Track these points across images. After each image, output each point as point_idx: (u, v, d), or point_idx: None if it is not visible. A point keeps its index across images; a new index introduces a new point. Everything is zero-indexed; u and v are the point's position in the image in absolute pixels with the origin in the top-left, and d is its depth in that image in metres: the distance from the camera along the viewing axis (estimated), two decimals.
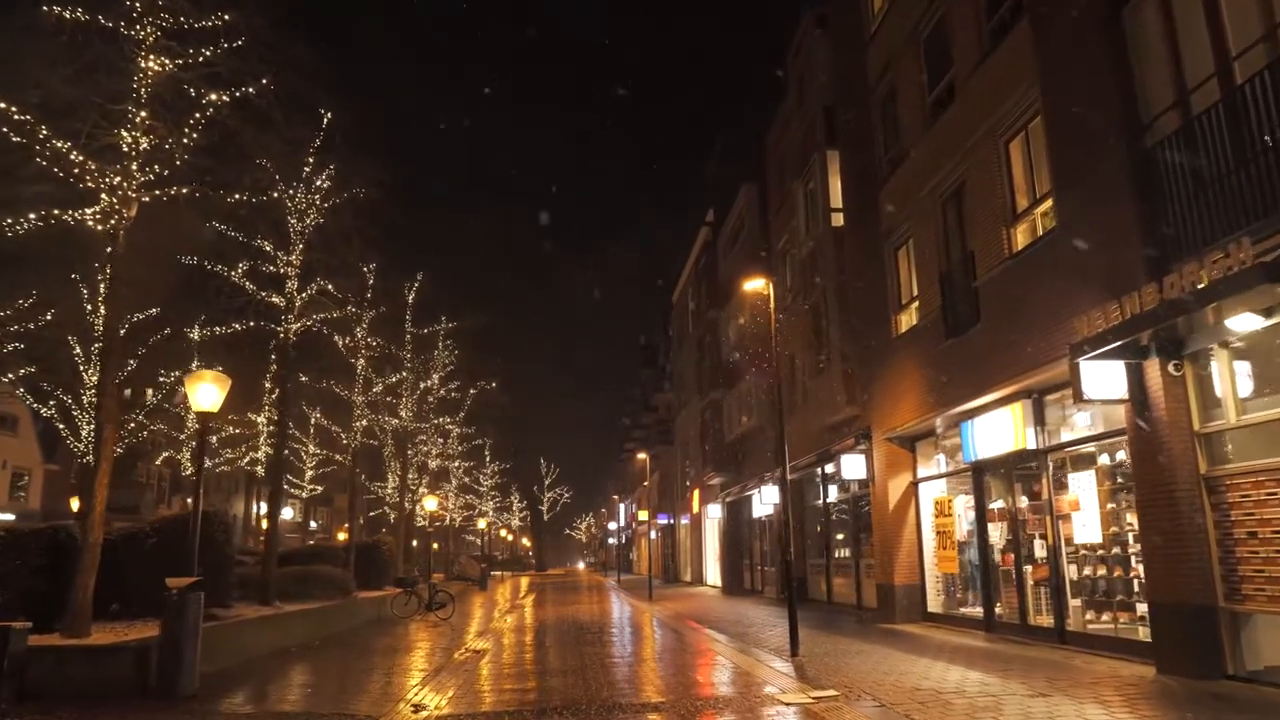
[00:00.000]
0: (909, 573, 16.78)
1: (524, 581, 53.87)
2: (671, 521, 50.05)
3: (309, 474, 47.06)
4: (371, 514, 71.00)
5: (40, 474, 46.46)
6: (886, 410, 17.24)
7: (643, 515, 63.26)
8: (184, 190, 12.72)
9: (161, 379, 30.32)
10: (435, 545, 68.10)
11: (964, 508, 15.55)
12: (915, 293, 16.43)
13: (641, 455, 41.34)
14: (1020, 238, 12.63)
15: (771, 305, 14.04)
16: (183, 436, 32.19)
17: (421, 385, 35.91)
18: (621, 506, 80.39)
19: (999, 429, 13.20)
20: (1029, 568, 12.97)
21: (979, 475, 14.48)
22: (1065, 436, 12.34)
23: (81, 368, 24.48)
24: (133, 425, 26.85)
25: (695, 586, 39.21)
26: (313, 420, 39.00)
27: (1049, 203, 11.85)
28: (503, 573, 66.42)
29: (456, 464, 48.43)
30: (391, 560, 30.48)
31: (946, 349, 14.47)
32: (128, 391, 23.47)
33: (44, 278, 25.48)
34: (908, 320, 16.82)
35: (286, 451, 41.26)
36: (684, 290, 45.16)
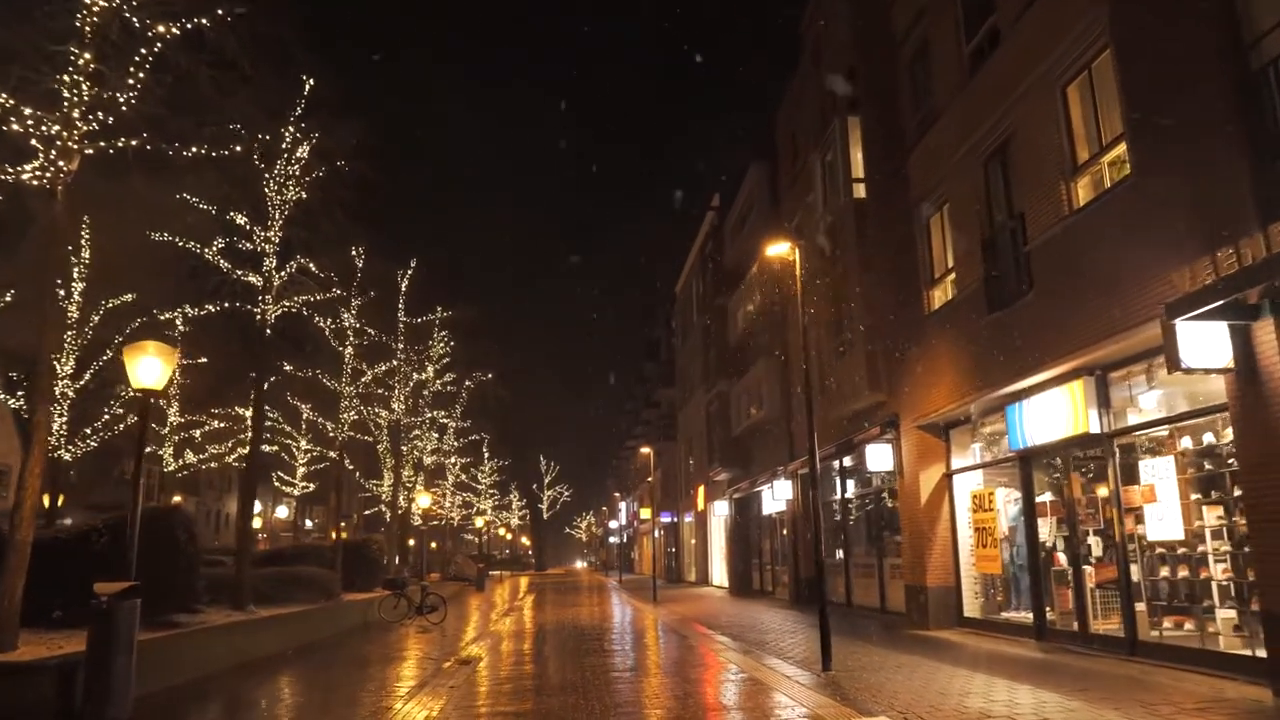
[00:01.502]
0: (943, 573, 15.27)
1: (523, 582, 52.36)
2: (675, 520, 48.54)
3: (301, 471, 45.45)
4: (368, 512, 69.68)
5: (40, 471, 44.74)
6: (917, 395, 15.73)
7: (645, 513, 61.72)
8: (132, 143, 11.20)
9: None
10: (433, 544, 66.78)
11: (1005, 501, 14.05)
12: (950, 264, 14.92)
13: (645, 449, 39.83)
14: (1082, 193, 11.10)
15: (797, 270, 12.51)
16: (164, 431, 30.61)
17: (415, 377, 34.42)
18: (623, 505, 78.87)
19: (1053, 412, 11.68)
20: (1089, 568, 11.45)
21: (1027, 465, 12.96)
22: (1133, 419, 10.82)
23: (52, 356, 22.98)
24: (107, 418, 25.33)
25: (700, 587, 37.72)
26: (304, 415, 37.49)
27: (1119, 149, 10.34)
28: (501, 572, 64.87)
29: (453, 460, 46.90)
30: (382, 560, 28.97)
31: (990, 323, 12.95)
32: (85, 378, 21.85)
33: (10, 258, 24.00)
34: (942, 295, 15.31)
35: (277, 448, 40.05)
36: (688, 280, 43.63)
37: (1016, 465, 13.33)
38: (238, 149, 12.77)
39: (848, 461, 20.97)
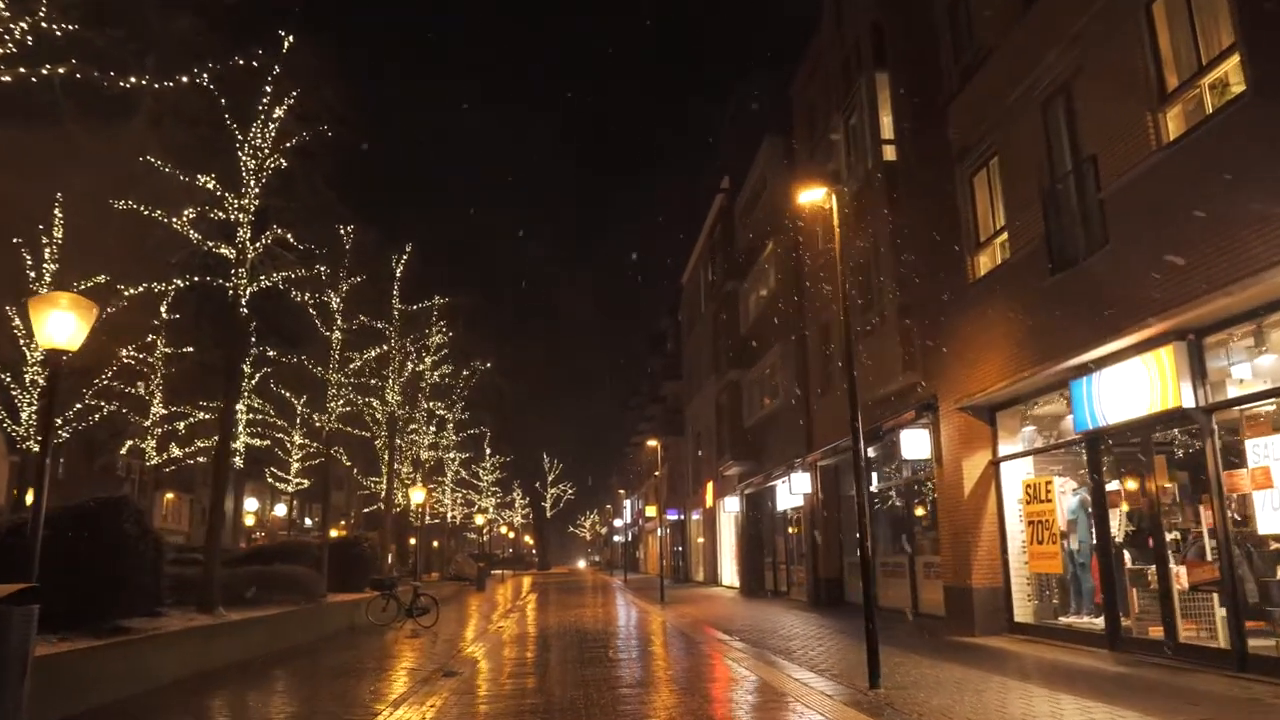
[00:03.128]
0: (989, 573, 13.61)
1: (525, 581, 50.74)
2: (682, 517, 46.89)
3: (295, 466, 43.71)
4: (367, 510, 68.06)
5: (6, 467, 43.33)
6: (959, 375, 14.07)
7: (650, 511, 60.06)
8: (60, 70, 9.59)
9: (127, 358, 27.36)
10: (435, 543, 65.14)
11: (1063, 490, 12.41)
12: (999, 224, 13.27)
13: (652, 442, 38.14)
14: (1172, 125, 9.44)
15: (835, 220, 10.86)
16: (147, 423, 29.00)
17: (410, 367, 32.84)
18: (627, 503, 77.21)
19: (1133, 385, 10.02)
20: (1179, 568, 9.78)
21: (1095, 448, 11.29)
22: (1235, 391, 9.17)
23: (23, 342, 21.43)
24: (79, 407, 23.77)
25: (709, 587, 36.07)
26: (298, 409, 35.93)
27: (1225, 66, 8.69)
28: (503, 572, 63.23)
29: (452, 455, 45.26)
30: (375, 559, 27.33)
31: (1052, 287, 11.29)
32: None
33: None
34: (988, 261, 13.65)
35: (268, 442, 38.44)
36: (695, 269, 41.99)
37: (1082, 449, 11.68)
38: (183, 79, 11.12)
39: (872, 452, 19.32)
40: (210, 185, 16.25)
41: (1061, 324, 11.03)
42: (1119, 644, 10.68)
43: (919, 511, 16.95)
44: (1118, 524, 11.14)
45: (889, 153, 16.79)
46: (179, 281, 16.71)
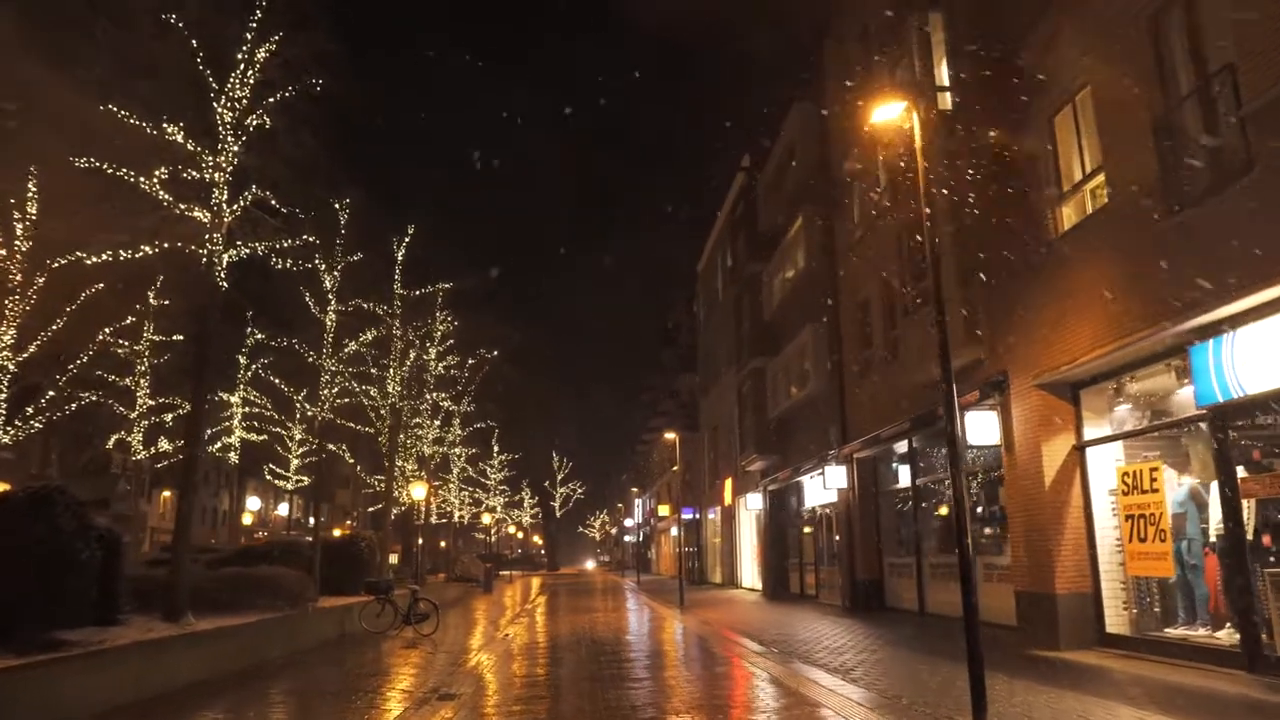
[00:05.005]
0: (1075, 577, 11.67)
1: (534, 583, 48.94)
2: (697, 516, 44.94)
3: (295, 463, 41.87)
4: (371, 509, 66.30)
5: None
6: (1036, 346, 12.14)
7: (663, 510, 58.10)
8: None
9: (114, 346, 25.67)
10: (442, 544, 63.30)
11: (1174, 480, 10.48)
12: (1090, 167, 11.34)
13: (669, 435, 36.24)
14: None
15: (916, 138, 8.95)
16: (132, 415, 27.23)
17: (412, 354, 31.04)
18: (638, 502, 75.22)
19: None
20: None
21: (1221, 425, 9.33)
22: None
23: None
24: (52, 395, 22.00)
25: (727, 589, 34.15)
26: (298, 402, 34.15)
27: None
28: (512, 572, 61.46)
29: (458, 451, 43.41)
30: (374, 560, 25.49)
31: (1170, 230, 9.36)
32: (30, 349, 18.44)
33: None
34: (1075, 211, 11.72)
35: (265, 437, 36.62)
36: (712, 255, 40.07)
37: (1201, 428, 9.75)
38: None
39: (917, 441, 17.42)
40: (179, 138, 14.45)
41: (1181, 276, 9.09)
42: (1260, 664, 8.74)
43: (979, 505, 15.03)
44: (1249, 518, 9.20)
45: (944, 101, 14.84)
46: (147, 248, 14.86)
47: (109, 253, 15.07)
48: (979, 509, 15.07)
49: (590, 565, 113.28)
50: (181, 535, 13.90)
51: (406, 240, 30.31)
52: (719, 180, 38.64)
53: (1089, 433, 11.88)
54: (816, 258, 22.27)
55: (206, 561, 22.78)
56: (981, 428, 13.14)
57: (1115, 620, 11.33)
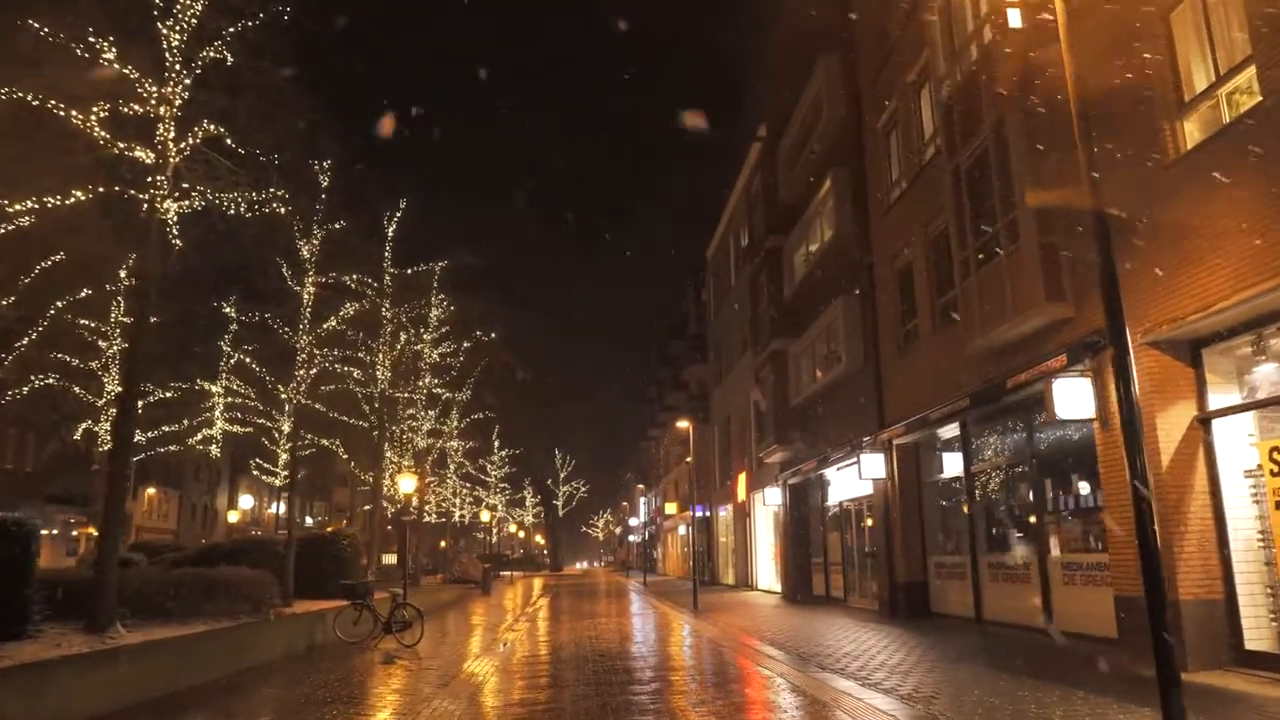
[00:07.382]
0: (1203, 580, 9.41)
1: (536, 584, 46.71)
2: (707, 513, 42.71)
3: (284, 458, 39.57)
4: (368, 507, 64.09)
5: None
6: (1145, 297, 9.88)
7: (670, 508, 55.90)
8: None
9: (88, 327, 23.57)
10: (442, 543, 61.07)
11: None
12: (1220, 72, 9.10)
13: (682, 423, 33.94)
14: None
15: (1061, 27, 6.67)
16: (100, 403, 25.03)
17: (404, 337, 28.90)
18: (643, 500, 72.89)
19: None
20: None
21: None
22: None
23: None
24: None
25: (742, 591, 31.90)
26: (284, 394, 31.93)
27: None
28: (513, 573, 59.21)
29: (456, 444, 41.19)
30: (359, 560, 23.27)
31: None
32: None
33: None
34: (1199, 127, 9.47)
35: (250, 429, 34.33)
36: (724, 237, 37.84)
37: None
38: None
39: (971, 423, 15.21)
40: (115, 64, 12.25)
41: None
42: None
43: (1047, 493, 12.80)
44: None
45: (1014, 19, 12.62)
46: (78, 194, 12.63)
47: (33, 199, 12.82)
48: (1045, 497, 12.84)
49: (595, 565, 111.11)
50: (110, 532, 11.67)
51: (397, 215, 28.22)
52: (728, 161, 36.37)
53: (1214, 401, 9.63)
54: (848, 223, 20.01)
55: (171, 561, 20.64)
56: (1073, 397, 10.84)
57: (1258, 634, 9.08)
